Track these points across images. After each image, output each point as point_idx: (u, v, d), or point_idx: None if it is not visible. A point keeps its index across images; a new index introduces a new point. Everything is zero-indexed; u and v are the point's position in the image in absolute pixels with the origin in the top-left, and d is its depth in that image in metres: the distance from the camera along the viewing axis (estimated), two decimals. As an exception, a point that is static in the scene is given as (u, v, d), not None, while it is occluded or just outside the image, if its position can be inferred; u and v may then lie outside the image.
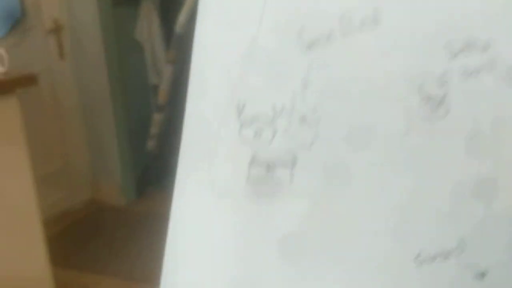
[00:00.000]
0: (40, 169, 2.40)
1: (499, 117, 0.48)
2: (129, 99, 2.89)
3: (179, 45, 2.68)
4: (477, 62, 0.47)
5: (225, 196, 0.52)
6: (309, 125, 0.48)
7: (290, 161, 0.49)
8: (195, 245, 0.54)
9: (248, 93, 0.48)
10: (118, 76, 2.79)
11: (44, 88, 2.59)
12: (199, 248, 0.54)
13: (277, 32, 0.47)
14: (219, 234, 0.53)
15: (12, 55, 2.39)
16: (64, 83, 2.72)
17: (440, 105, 0.48)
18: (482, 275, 0.49)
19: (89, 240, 2.51)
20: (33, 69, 2.51)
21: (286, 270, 0.51)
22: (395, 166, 0.49)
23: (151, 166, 3.03)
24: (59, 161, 2.74)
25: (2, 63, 1.56)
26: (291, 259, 0.51)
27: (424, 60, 0.47)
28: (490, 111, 0.48)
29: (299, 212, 0.49)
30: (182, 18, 2.62)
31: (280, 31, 0.47)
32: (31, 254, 1.71)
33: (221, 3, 0.51)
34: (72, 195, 2.81)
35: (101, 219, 2.76)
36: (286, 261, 0.51)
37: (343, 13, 0.46)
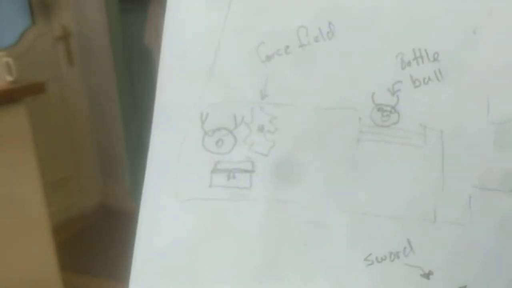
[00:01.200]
0: (50, 175, 2.43)
1: (447, 124, 0.51)
2: (138, 105, 2.91)
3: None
4: (426, 72, 0.50)
5: (189, 203, 0.53)
6: (266, 134, 0.51)
7: (249, 169, 0.52)
8: (162, 251, 0.57)
9: (211, 105, 0.52)
10: (127, 82, 2.81)
11: (53, 94, 2.62)
12: (164, 254, 0.57)
13: (238, 48, 0.51)
14: (183, 239, 0.55)
15: (22, 62, 2.43)
16: (73, 89, 2.74)
17: (392, 113, 0.51)
18: (428, 274, 0.54)
19: (99, 245, 2.53)
20: (42, 76, 2.55)
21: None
22: (347, 173, 0.52)
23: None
24: (69, 167, 2.76)
25: (10, 72, 1.57)
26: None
27: (377, 70, 0.50)
28: (439, 120, 0.51)
29: (258, 216, 0.52)
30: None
31: (240, 47, 0.51)
32: (41, 260, 1.72)
33: (186, 17, 0.53)
34: (82, 201, 2.83)
35: (111, 224, 2.77)
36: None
37: (300, 27, 0.50)
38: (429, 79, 0.51)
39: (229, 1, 0.51)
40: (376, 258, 0.53)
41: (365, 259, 0.53)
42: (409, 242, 0.53)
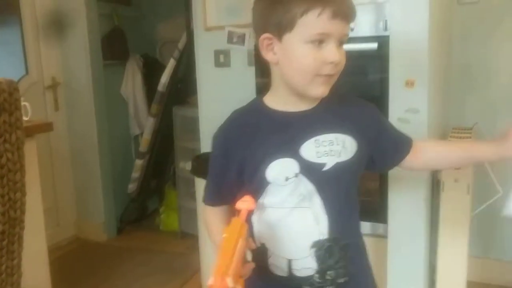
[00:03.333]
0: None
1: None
2: (113, 147, 3.28)
3: (160, 101, 3.15)
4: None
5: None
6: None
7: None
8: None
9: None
10: (105, 126, 3.19)
11: (39, 136, 2.95)
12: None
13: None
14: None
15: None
16: (57, 131, 3.08)
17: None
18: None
19: (72, 274, 2.78)
20: (32, 118, 2.90)
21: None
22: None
23: (130, 207, 3.37)
24: (48, 201, 3.05)
25: (26, 113, 1.95)
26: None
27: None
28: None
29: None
30: (163, 79, 3.13)
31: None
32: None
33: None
34: (58, 233, 3.11)
35: (84, 254, 3.05)
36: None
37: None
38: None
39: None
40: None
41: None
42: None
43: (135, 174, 3.26)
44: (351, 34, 1.89)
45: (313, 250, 0.99)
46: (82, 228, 3.25)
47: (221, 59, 2.56)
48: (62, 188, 3.15)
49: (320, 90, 0.96)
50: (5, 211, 1.17)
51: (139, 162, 3.23)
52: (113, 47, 3.27)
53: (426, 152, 1.15)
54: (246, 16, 2.41)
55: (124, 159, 3.43)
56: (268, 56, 0.98)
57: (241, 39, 2.50)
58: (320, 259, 1.00)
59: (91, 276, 2.73)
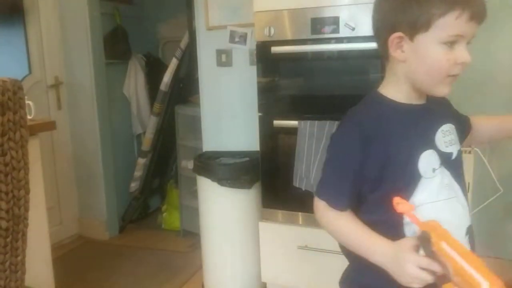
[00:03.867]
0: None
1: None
2: (115, 146, 3.30)
3: (162, 100, 3.17)
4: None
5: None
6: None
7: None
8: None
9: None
10: (107, 125, 3.21)
11: (42, 134, 2.97)
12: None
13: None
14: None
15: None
16: (60, 130, 3.10)
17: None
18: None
19: (74, 272, 2.79)
20: (35, 117, 2.92)
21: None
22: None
23: (133, 206, 3.39)
24: (51, 200, 3.07)
25: (30, 112, 1.97)
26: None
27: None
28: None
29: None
30: (166, 79, 3.14)
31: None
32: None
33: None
34: (61, 231, 3.12)
35: (87, 252, 3.06)
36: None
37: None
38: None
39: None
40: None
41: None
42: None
43: (137, 172, 3.27)
44: (350, 34, 1.92)
45: (467, 237, 1.02)
46: (84, 226, 3.27)
47: (223, 59, 2.57)
48: (64, 187, 3.17)
49: (446, 89, 0.98)
50: (9, 208, 1.18)
51: (141, 161, 3.25)
52: (115, 46, 3.29)
53: (481, 126, 1.22)
54: (248, 16, 2.44)
55: (126, 158, 3.44)
56: (396, 53, 0.98)
57: (243, 38, 2.51)
58: (472, 244, 1.03)
59: (93, 274, 2.75)
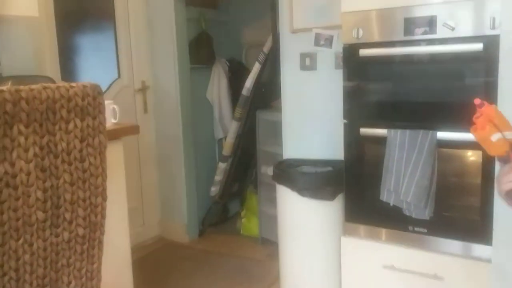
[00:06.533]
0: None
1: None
2: (197, 150, 3.32)
3: (244, 105, 3.13)
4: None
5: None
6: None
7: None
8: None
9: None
10: (190, 129, 3.24)
11: (129, 136, 3.06)
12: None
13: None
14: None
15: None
16: (145, 133, 3.18)
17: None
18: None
19: (155, 274, 2.83)
20: (123, 120, 3.00)
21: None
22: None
23: (213, 210, 3.39)
24: (134, 201, 3.15)
25: (115, 116, 2.00)
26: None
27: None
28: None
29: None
30: (248, 84, 3.10)
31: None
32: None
33: None
34: (143, 232, 3.20)
35: (167, 255, 3.10)
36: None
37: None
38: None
39: None
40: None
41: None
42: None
43: (218, 177, 3.26)
44: (449, 35, 1.73)
45: None
46: (165, 228, 3.32)
47: (307, 62, 2.47)
48: (148, 188, 3.24)
49: None
50: (86, 215, 1.17)
51: (222, 165, 3.23)
52: (200, 51, 3.31)
53: None
54: (334, 17, 2.31)
55: (207, 162, 3.45)
56: None
57: (329, 41, 2.39)
58: None
59: (171, 278, 2.76)
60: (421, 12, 1.80)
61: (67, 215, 1.12)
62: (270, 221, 2.83)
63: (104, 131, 1.18)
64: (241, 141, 3.22)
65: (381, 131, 1.91)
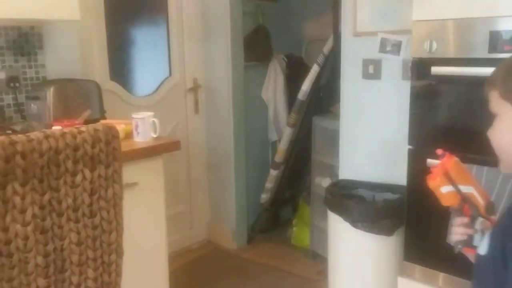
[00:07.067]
0: (169, 208, 2.71)
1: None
2: (249, 152, 3.14)
3: (299, 111, 2.90)
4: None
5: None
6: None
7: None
8: None
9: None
10: (242, 131, 3.06)
11: (179, 137, 2.94)
12: None
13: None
14: None
15: (159, 108, 2.79)
16: (196, 134, 3.05)
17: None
18: None
19: (201, 282, 2.73)
20: (173, 120, 2.90)
21: None
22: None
23: (263, 217, 3.22)
24: (183, 204, 3.05)
25: (155, 130, 1.86)
26: None
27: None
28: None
29: None
30: (304, 87, 2.86)
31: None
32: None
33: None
34: (191, 235, 3.10)
35: (215, 261, 2.99)
36: None
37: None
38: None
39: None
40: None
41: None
42: None
43: (269, 184, 3.08)
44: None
45: None
46: (214, 232, 3.21)
47: (370, 70, 2.20)
48: (197, 191, 3.13)
49: None
50: (98, 275, 1.03)
51: (273, 173, 3.04)
52: (256, 47, 3.10)
53: None
54: (404, 21, 2.02)
55: (260, 165, 3.27)
56: None
57: (396, 47, 2.10)
58: None
59: (216, 286, 2.65)
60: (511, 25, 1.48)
61: (74, 279, 0.99)
62: (323, 234, 2.61)
63: (120, 180, 1.03)
64: (295, 148, 3.00)
65: (452, 164, 1.63)
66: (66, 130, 0.93)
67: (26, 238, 0.90)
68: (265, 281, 2.68)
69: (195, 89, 3.00)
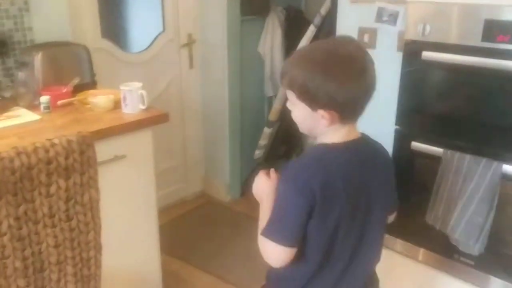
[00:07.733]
0: (164, 162, 2.77)
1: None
2: (244, 107, 3.14)
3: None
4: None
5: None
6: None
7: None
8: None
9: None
10: (237, 87, 3.04)
11: (173, 93, 2.94)
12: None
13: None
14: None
15: (152, 64, 2.75)
16: (190, 89, 3.03)
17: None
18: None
19: (195, 233, 2.84)
20: (167, 76, 2.87)
21: None
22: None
23: (256, 171, 3.27)
24: (179, 157, 3.10)
25: (143, 102, 1.85)
26: None
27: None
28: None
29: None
30: (301, 46, 2.77)
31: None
32: (146, 241, 1.95)
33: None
34: (186, 188, 3.18)
35: (208, 213, 3.09)
36: None
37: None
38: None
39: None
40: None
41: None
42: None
43: (263, 141, 3.11)
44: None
45: None
46: (208, 185, 3.29)
47: (366, 39, 2.14)
48: (192, 145, 3.16)
49: None
50: (77, 271, 1.09)
51: (267, 131, 3.05)
52: (253, 1, 2.99)
53: None
54: (402, -8, 1.93)
55: (255, 120, 3.28)
56: None
57: (393, 17, 2.03)
58: None
59: (211, 240, 2.76)
60: (509, 15, 1.43)
61: (54, 276, 1.04)
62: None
63: (96, 185, 1.05)
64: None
65: (436, 150, 1.65)
66: (39, 144, 0.94)
67: (3, 246, 0.94)
68: (256, 234, 2.77)
69: (189, 44, 2.94)
